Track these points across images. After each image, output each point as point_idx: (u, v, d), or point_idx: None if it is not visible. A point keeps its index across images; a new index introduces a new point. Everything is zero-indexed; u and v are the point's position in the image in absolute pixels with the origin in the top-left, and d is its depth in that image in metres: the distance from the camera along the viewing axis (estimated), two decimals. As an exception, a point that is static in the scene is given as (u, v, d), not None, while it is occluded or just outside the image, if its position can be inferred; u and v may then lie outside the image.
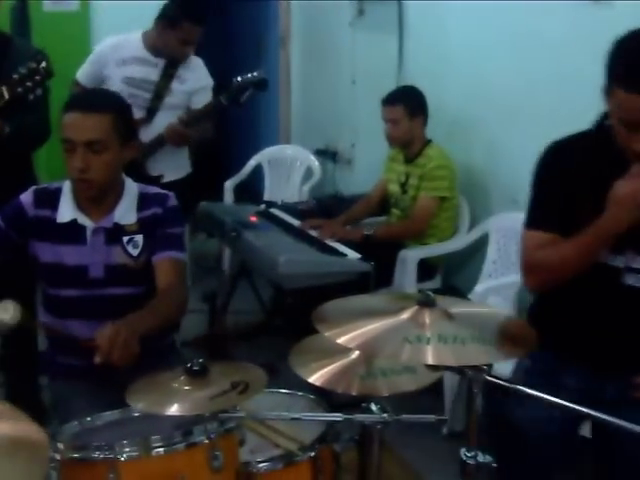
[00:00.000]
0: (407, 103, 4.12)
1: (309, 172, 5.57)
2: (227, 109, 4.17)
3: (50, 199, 2.63)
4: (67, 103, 2.58)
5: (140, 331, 2.29)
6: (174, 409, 1.83)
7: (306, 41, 6.00)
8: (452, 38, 4.42)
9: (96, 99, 2.65)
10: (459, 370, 1.82)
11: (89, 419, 2.07)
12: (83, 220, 2.58)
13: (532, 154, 2.20)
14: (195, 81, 4.19)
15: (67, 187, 2.63)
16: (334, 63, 5.62)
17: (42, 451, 1.43)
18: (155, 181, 3.86)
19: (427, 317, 1.83)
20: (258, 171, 5.74)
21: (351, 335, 1.80)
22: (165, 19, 4.02)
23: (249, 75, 4.06)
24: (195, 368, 1.91)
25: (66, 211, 2.60)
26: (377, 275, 3.78)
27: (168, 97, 4.12)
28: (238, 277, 4.75)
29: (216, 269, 5.68)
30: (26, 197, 2.65)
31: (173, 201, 2.70)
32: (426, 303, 1.85)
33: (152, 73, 4.11)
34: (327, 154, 5.66)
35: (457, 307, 1.93)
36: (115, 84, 4.04)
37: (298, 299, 4.16)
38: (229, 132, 7.45)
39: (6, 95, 3.11)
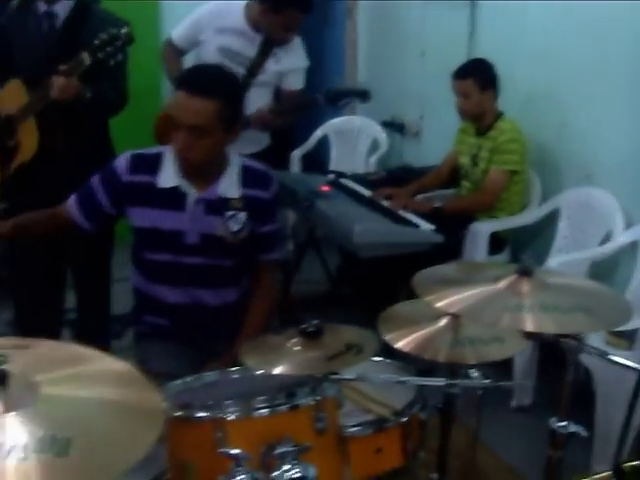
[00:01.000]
0: (477, 76, 4.09)
1: (375, 144, 5.56)
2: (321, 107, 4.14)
3: (149, 164, 2.66)
4: (180, 79, 2.60)
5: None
6: (288, 368, 1.88)
7: (373, 11, 5.95)
8: (526, 10, 4.36)
9: (207, 82, 2.56)
10: (554, 339, 1.84)
11: (190, 379, 2.11)
12: (187, 188, 2.62)
13: (605, 130, 2.19)
14: (290, 62, 4.10)
15: (169, 153, 2.64)
16: (403, 34, 5.58)
17: (157, 415, 1.46)
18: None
19: (525, 286, 1.84)
20: (324, 142, 5.74)
21: (450, 301, 1.82)
22: (271, 2, 3.88)
23: (351, 85, 4.04)
24: (310, 329, 1.94)
25: (168, 177, 2.63)
26: (446, 247, 3.78)
27: (261, 75, 4.02)
28: (306, 246, 4.78)
29: (285, 238, 5.71)
30: (121, 162, 2.68)
31: (275, 185, 2.75)
32: (525, 272, 1.86)
33: (249, 48, 4.00)
34: (394, 126, 5.64)
35: (552, 277, 1.94)
36: (210, 51, 4.00)
37: (369, 268, 4.17)
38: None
39: (87, 60, 3.12)
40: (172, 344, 2.71)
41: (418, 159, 5.26)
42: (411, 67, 5.46)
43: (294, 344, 1.95)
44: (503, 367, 3.56)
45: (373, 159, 5.42)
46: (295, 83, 4.14)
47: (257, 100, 3.96)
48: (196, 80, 2.57)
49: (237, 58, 3.99)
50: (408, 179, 4.48)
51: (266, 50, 4.01)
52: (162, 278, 2.70)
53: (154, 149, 2.74)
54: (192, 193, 2.62)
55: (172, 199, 2.62)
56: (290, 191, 4.19)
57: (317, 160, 5.77)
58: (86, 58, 3.12)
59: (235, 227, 2.64)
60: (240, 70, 3.91)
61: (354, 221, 3.64)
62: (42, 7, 3.39)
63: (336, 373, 1.91)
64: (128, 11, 3.53)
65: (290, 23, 3.94)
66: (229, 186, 2.65)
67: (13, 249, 3.52)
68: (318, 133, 5.72)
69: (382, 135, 5.55)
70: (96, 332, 3.70)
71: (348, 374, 1.95)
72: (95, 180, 2.70)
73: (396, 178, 4.58)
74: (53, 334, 3.52)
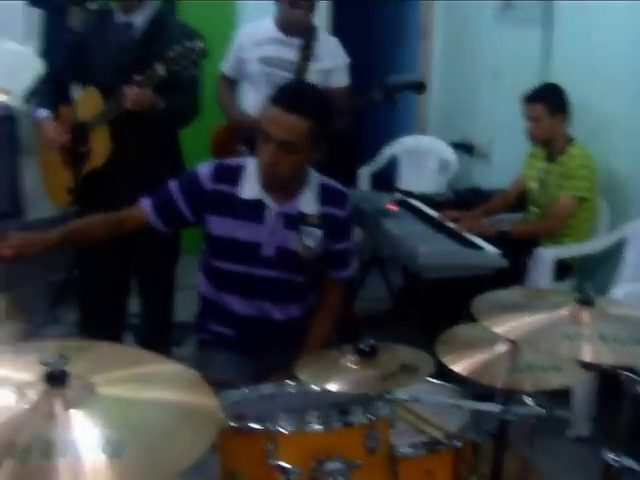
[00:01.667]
0: (548, 101, 4.06)
1: (444, 164, 5.55)
2: (379, 104, 4.16)
3: (231, 175, 2.70)
4: (274, 95, 2.61)
5: None
6: (342, 386, 1.89)
7: (448, 32, 5.96)
8: (602, 35, 4.31)
9: (301, 100, 2.58)
10: (613, 371, 1.82)
11: (246, 390, 2.13)
12: (268, 201, 2.65)
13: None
14: (330, 59, 4.23)
15: (252, 166, 2.68)
16: (476, 56, 5.58)
17: (213, 420, 1.48)
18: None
19: (585, 315, 1.83)
20: (393, 160, 5.75)
21: (508, 326, 1.82)
22: None
23: (406, 76, 4.16)
24: (365, 348, 1.95)
25: (250, 189, 2.66)
26: (510, 271, 3.75)
27: (307, 76, 4.14)
28: (370, 265, 4.78)
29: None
30: (204, 170, 2.71)
31: (350, 204, 2.80)
32: (585, 301, 1.85)
33: (288, 53, 4.16)
34: (463, 147, 5.63)
35: (613, 308, 1.92)
36: (252, 64, 4.18)
37: (432, 290, 4.16)
38: (367, 120, 7.48)
39: (161, 72, 3.17)
40: (234, 354, 2.74)
41: (487, 181, 5.24)
42: (483, 88, 5.45)
43: (349, 361, 1.95)
44: (562, 396, 3.53)
45: (442, 179, 5.41)
46: (340, 80, 4.25)
47: None
48: (292, 97, 2.59)
49: (280, 64, 4.14)
50: (476, 201, 4.46)
51: (306, 52, 4.16)
52: (232, 288, 2.73)
53: (236, 160, 2.80)
54: (273, 206, 2.66)
55: (253, 211, 2.66)
56: (357, 209, 4.19)
57: (386, 179, 5.78)
58: (160, 69, 3.17)
59: (311, 243, 2.68)
60: (285, 74, 4.08)
61: (419, 242, 3.64)
62: (121, 17, 3.47)
63: (390, 393, 1.91)
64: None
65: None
66: (308, 202, 2.69)
67: (80, 252, 3.59)
68: (388, 151, 5.72)
69: (452, 156, 5.53)
70: (157, 338, 3.74)
71: (402, 394, 1.95)
72: (173, 186, 2.73)
73: (463, 200, 4.57)
74: (116, 338, 3.58)
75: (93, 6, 3.37)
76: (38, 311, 4.57)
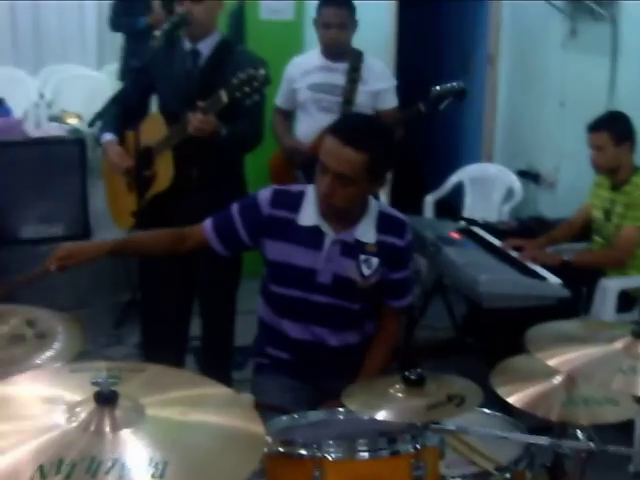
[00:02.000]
0: (612, 130, 4.00)
1: (510, 192, 5.51)
2: (425, 117, 4.24)
3: (291, 201, 2.71)
4: (333, 125, 2.62)
5: None
6: (388, 414, 1.88)
7: (515, 59, 5.94)
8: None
9: (359, 134, 2.56)
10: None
11: (295, 416, 2.14)
12: (326, 229, 2.66)
13: None
14: (377, 81, 4.38)
15: (311, 193, 2.69)
16: (542, 83, 5.54)
17: (258, 446, 1.49)
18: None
19: (641, 349, 1.80)
20: (458, 188, 5.73)
21: (562, 359, 1.80)
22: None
23: (449, 85, 4.17)
24: (413, 377, 1.95)
25: (309, 216, 2.67)
26: (573, 301, 3.71)
27: (356, 99, 4.30)
28: (433, 293, 4.76)
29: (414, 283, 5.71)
30: (264, 195, 2.74)
31: (409, 233, 2.77)
32: (640, 334, 1.82)
33: (336, 78, 4.32)
34: (529, 175, 5.59)
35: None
36: (303, 93, 4.38)
37: (493, 319, 4.13)
38: (433, 147, 7.50)
39: (224, 99, 3.21)
40: (290, 379, 2.75)
41: (552, 210, 5.18)
42: (549, 116, 5.41)
43: (397, 390, 1.95)
44: (624, 430, 3.45)
45: (507, 208, 5.37)
46: (389, 102, 4.41)
47: None
48: (350, 130, 2.57)
49: (329, 90, 4.32)
50: (540, 230, 4.41)
51: (353, 75, 4.31)
52: (288, 313, 2.75)
53: (297, 186, 2.80)
54: (330, 233, 2.66)
55: (310, 237, 2.67)
56: (419, 236, 4.20)
57: (451, 206, 5.76)
58: (224, 96, 3.22)
59: (367, 271, 2.67)
60: (335, 99, 4.28)
61: (480, 270, 3.62)
62: (187, 45, 3.55)
63: (438, 423, 1.90)
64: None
65: (327, 20, 4.25)
66: (366, 230, 2.68)
67: (144, 274, 3.65)
68: (453, 179, 5.70)
69: (517, 184, 5.49)
70: (219, 361, 3.78)
71: (450, 425, 1.93)
72: (234, 209, 2.77)
73: (527, 228, 4.52)
74: (177, 360, 3.63)
75: (160, 34, 3.43)
76: (101, 332, 4.66)
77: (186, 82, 3.53)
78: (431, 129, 5.25)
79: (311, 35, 5.58)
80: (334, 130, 2.57)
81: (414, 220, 4.56)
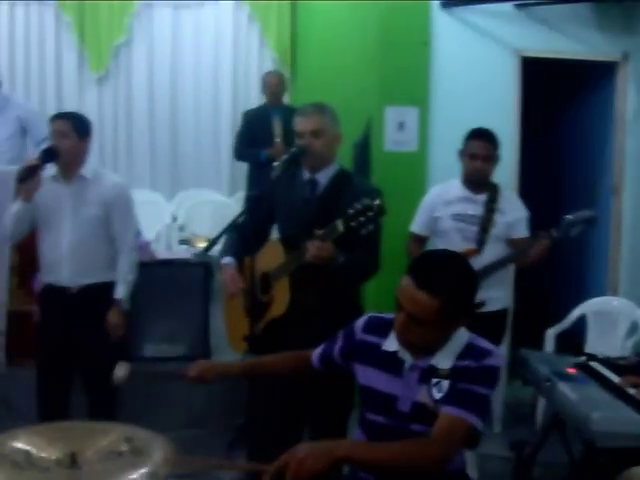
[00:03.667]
0: None
1: (634, 326, 5.37)
2: (557, 243, 4.39)
3: (382, 328, 2.77)
4: (410, 266, 2.60)
5: (347, 456, 2.36)
6: None
7: (638, 189, 5.88)
8: None
9: (434, 278, 2.51)
10: None
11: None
12: (403, 354, 2.68)
13: None
14: (513, 212, 4.59)
15: None
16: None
17: None
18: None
19: None
20: (581, 321, 5.62)
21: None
22: (461, 147, 4.60)
23: (580, 212, 4.39)
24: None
25: (392, 341, 2.71)
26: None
27: (492, 229, 4.50)
28: (550, 428, 4.63)
29: (529, 418, 5.58)
30: (360, 321, 2.85)
31: (495, 360, 2.62)
32: None
33: (476, 208, 4.55)
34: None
35: None
36: (446, 222, 4.58)
37: (610, 458, 3.98)
38: (557, 280, 7.41)
39: (341, 228, 3.32)
40: None
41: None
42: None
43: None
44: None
45: (630, 343, 5.23)
46: (522, 232, 4.61)
47: (493, 253, 4.49)
48: (424, 273, 2.54)
49: (470, 219, 4.54)
50: (662, 368, 4.26)
51: (490, 206, 4.52)
52: (376, 439, 2.74)
53: (392, 315, 2.78)
54: (408, 360, 2.67)
55: (392, 363, 2.69)
56: (534, 370, 4.14)
57: (573, 340, 5.64)
58: (340, 225, 3.32)
59: (438, 395, 2.61)
60: (474, 229, 4.48)
61: (593, 407, 3.52)
62: (306, 174, 3.70)
63: None
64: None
65: (474, 151, 4.50)
66: (444, 358, 2.64)
67: (253, 394, 3.69)
68: (576, 312, 5.59)
69: (641, 318, 5.36)
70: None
71: None
72: (341, 331, 2.91)
73: (648, 365, 4.38)
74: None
75: (280, 164, 3.59)
76: (213, 453, 4.70)
77: (304, 210, 3.67)
78: (555, 262, 5.21)
79: (434, 166, 5.74)
80: (410, 271, 2.56)
81: (531, 354, 4.54)
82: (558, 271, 7.29)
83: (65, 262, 4.23)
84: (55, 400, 4.36)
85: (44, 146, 5.81)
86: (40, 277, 4.43)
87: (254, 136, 6.74)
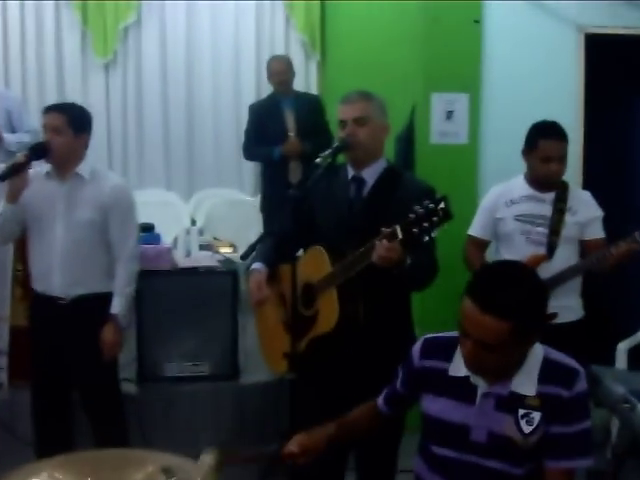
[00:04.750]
0: None
1: None
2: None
3: (441, 350, 2.75)
4: (470, 288, 2.53)
5: None
6: None
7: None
8: None
9: (500, 300, 2.46)
10: None
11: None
12: (475, 379, 2.64)
13: None
14: (586, 212, 4.49)
15: None
16: None
17: None
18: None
19: None
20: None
21: None
22: (526, 145, 4.47)
23: None
24: None
25: (460, 365, 2.67)
26: None
27: (563, 230, 4.41)
28: (628, 455, 4.56)
29: (603, 444, 5.49)
30: (416, 346, 2.82)
31: (582, 382, 2.61)
32: None
33: (543, 209, 4.47)
34: None
35: None
36: (508, 223, 4.51)
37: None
38: (627, 291, 7.31)
39: (399, 235, 3.13)
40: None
41: None
42: None
43: None
44: None
45: None
46: (596, 232, 4.52)
47: (565, 257, 4.42)
48: (488, 296, 2.47)
49: (536, 221, 4.46)
50: None
51: (559, 206, 4.44)
52: (442, 472, 2.72)
53: (451, 333, 2.77)
54: (481, 385, 2.63)
55: (462, 390, 2.66)
56: (607, 390, 4.08)
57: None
58: (398, 232, 3.14)
59: (527, 428, 2.58)
60: (541, 230, 4.41)
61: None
62: (350, 172, 3.64)
63: None
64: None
65: (548, 153, 4.37)
66: (524, 382, 2.61)
67: (294, 425, 3.65)
68: (649, 325, 5.54)
69: None
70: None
71: None
72: (399, 366, 2.90)
73: None
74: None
75: (322, 161, 3.51)
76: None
77: (349, 212, 3.60)
78: (625, 271, 5.12)
79: (487, 160, 5.68)
80: (471, 293, 2.50)
81: (603, 372, 4.46)
82: (627, 282, 7.19)
83: (56, 269, 4.20)
84: (52, 422, 4.36)
85: (27, 139, 5.82)
86: (31, 285, 4.40)
87: (264, 132, 6.65)
